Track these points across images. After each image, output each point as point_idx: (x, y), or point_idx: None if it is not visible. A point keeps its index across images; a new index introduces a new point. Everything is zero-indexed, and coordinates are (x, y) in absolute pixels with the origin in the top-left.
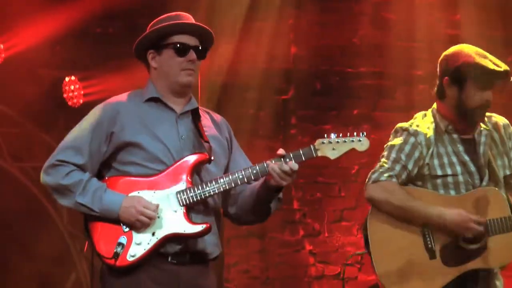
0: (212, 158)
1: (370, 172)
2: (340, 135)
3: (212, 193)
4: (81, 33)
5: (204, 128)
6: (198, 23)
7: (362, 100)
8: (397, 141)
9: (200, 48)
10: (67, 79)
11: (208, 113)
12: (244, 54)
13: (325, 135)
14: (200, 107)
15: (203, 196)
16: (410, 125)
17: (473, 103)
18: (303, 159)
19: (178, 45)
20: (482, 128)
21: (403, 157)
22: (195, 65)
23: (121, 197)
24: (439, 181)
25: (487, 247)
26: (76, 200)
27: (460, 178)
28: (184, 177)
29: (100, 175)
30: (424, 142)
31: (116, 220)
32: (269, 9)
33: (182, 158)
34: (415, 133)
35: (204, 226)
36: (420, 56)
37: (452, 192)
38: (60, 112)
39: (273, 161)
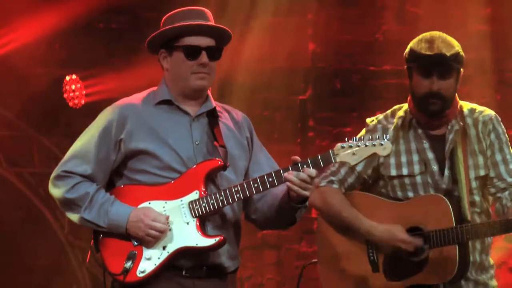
0: (228, 164)
1: None
2: (362, 138)
3: (226, 203)
4: (83, 28)
5: (222, 130)
6: (210, 24)
7: (386, 101)
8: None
9: (214, 48)
10: (67, 78)
11: (226, 110)
12: (258, 52)
13: (346, 139)
14: (219, 105)
15: (216, 206)
16: (373, 120)
17: (418, 91)
18: (322, 165)
19: (188, 48)
20: (454, 124)
21: None
22: (208, 68)
23: (128, 211)
24: (396, 182)
25: (429, 261)
26: (82, 216)
27: (418, 179)
28: (197, 186)
29: (111, 183)
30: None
31: (125, 234)
32: (285, 3)
33: (195, 166)
34: (372, 129)
35: (218, 238)
36: None
37: (410, 194)
38: (61, 113)
39: (290, 169)
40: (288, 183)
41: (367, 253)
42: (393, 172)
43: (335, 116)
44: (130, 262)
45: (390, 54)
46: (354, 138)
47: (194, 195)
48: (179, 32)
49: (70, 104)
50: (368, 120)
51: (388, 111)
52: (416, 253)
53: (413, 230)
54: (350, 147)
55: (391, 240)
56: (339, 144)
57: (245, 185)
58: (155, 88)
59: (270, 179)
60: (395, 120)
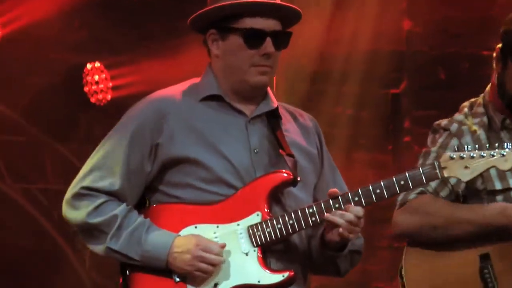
0: (299, 178)
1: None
2: (476, 147)
3: (297, 228)
4: (109, 2)
5: (286, 135)
6: (281, 3)
7: None
8: (435, 145)
9: (281, 33)
10: (89, 66)
11: (289, 112)
12: (338, 32)
13: (455, 147)
14: (280, 104)
15: (284, 233)
16: (452, 122)
17: (510, 87)
18: (424, 181)
19: (250, 32)
20: None
21: None
22: (272, 60)
23: (169, 239)
24: (499, 198)
25: None
26: (108, 246)
27: None
28: (258, 205)
29: (142, 201)
30: (472, 144)
31: (164, 268)
32: None
33: (256, 180)
34: (459, 133)
35: (286, 274)
36: None
37: None
38: (80, 112)
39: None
40: (334, 222)
41: (483, 278)
42: (498, 185)
43: (439, 115)
44: None
45: None
46: (467, 146)
47: (255, 218)
48: (238, 10)
49: (93, 100)
50: (442, 123)
51: (465, 109)
52: None
53: None
54: (462, 158)
55: None
56: (447, 154)
57: (322, 205)
58: (197, 79)
59: (356, 199)
60: (478, 120)
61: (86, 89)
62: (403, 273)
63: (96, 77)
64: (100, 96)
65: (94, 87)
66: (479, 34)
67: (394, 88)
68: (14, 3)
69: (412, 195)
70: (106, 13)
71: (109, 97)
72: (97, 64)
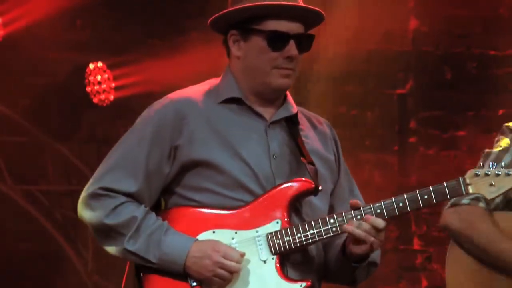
0: (320, 187)
1: None
2: (502, 164)
3: (317, 238)
4: (112, 2)
5: (305, 142)
6: (305, 6)
7: (511, 96)
8: (498, 146)
9: (304, 36)
10: (91, 66)
11: (307, 117)
12: (343, 31)
13: (481, 164)
14: (297, 108)
15: (304, 243)
16: None
17: None
18: (448, 197)
19: (274, 34)
20: None
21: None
22: (294, 63)
23: (187, 243)
24: None
25: None
26: (125, 247)
27: None
28: (278, 213)
29: (158, 204)
30: None
31: (181, 273)
32: None
33: (277, 187)
34: None
35: (304, 284)
36: None
37: None
38: (83, 113)
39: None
40: (353, 233)
41: None
42: None
43: (445, 116)
44: None
45: None
46: (492, 163)
47: (274, 226)
48: (262, 12)
49: (95, 100)
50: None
51: None
52: None
53: None
54: (487, 175)
55: None
56: (472, 171)
57: (344, 216)
58: (216, 79)
59: (379, 211)
60: None
61: (88, 89)
62: (446, 266)
63: (99, 77)
64: (102, 96)
65: (96, 87)
66: (485, 34)
67: (400, 89)
68: (16, 3)
69: (466, 200)
70: (108, 12)
71: (111, 97)
72: (100, 64)
